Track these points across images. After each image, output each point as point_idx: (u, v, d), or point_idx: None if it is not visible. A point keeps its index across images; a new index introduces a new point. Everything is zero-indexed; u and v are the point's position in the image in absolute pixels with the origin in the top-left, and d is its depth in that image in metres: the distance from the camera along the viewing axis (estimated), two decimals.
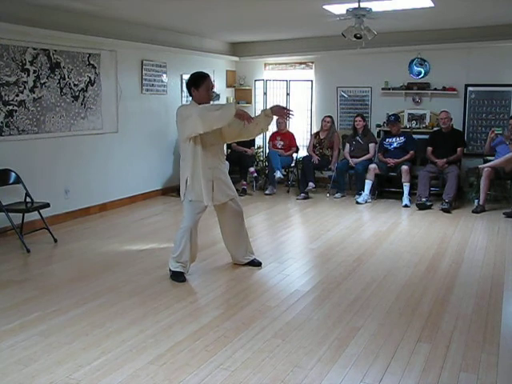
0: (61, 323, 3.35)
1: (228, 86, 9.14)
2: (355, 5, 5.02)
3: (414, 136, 7.55)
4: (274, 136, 8.43)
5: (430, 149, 7.22)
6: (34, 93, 5.68)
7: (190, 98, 4.15)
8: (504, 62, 7.29)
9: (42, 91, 5.78)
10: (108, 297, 3.81)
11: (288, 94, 8.95)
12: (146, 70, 7.30)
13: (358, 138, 7.72)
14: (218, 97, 8.72)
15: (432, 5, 5.41)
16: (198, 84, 4.02)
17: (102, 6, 5.65)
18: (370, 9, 5.06)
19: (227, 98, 9.06)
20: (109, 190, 6.81)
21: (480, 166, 6.85)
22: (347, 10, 5.10)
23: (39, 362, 2.83)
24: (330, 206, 7.16)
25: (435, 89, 7.72)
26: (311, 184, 7.61)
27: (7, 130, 5.44)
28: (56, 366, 2.79)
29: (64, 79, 6.04)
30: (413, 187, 7.15)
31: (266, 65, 9.15)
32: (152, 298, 3.79)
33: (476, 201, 6.77)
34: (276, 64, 9.07)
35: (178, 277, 4.16)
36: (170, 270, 4.23)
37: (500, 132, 6.98)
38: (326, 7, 5.53)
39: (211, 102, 4.20)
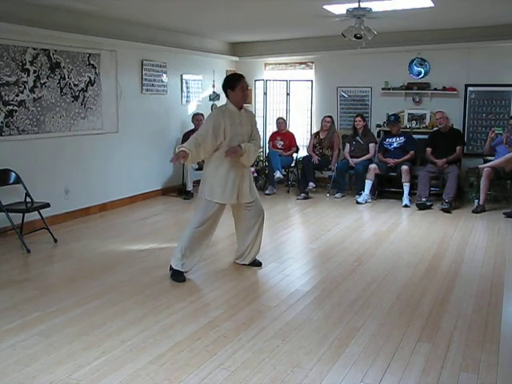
0: (61, 323, 3.35)
1: None
2: (355, 5, 5.03)
3: (414, 136, 7.55)
4: (273, 136, 8.43)
5: (429, 149, 7.22)
6: (34, 93, 5.68)
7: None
8: (504, 62, 7.29)
9: (42, 91, 5.78)
10: (108, 297, 3.81)
11: (288, 94, 8.96)
12: (145, 70, 7.30)
13: (358, 138, 7.72)
14: (217, 97, 8.73)
15: (432, 5, 5.41)
16: (234, 86, 4.17)
17: (102, 5, 5.65)
18: (370, 9, 5.07)
19: None
20: (109, 190, 6.81)
21: (480, 166, 6.85)
22: (347, 10, 5.10)
23: (39, 362, 2.83)
24: (330, 205, 7.16)
25: (435, 89, 7.72)
26: (311, 184, 7.61)
27: (7, 130, 5.44)
28: (56, 366, 2.79)
29: (64, 79, 6.04)
30: (413, 187, 7.15)
31: (266, 65, 9.15)
32: (152, 298, 3.79)
33: (476, 201, 6.77)
34: (276, 64, 9.07)
35: (177, 276, 4.16)
36: (171, 268, 4.22)
37: (500, 132, 6.98)
38: (326, 7, 5.53)
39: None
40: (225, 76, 9.17)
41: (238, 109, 4.21)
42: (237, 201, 4.25)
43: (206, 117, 4.39)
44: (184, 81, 8.09)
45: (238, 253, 4.57)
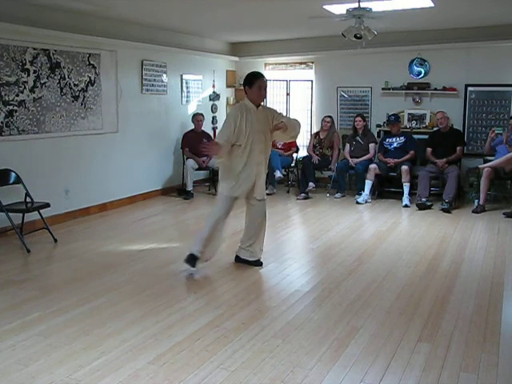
0: (61, 323, 3.35)
1: (228, 86, 9.14)
2: (355, 5, 5.02)
3: (414, 136, 7.55)
4: None
5: (429, 149, 7.22)
6: (34, 93, 5.68)
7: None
8: (504, 62, 7.29)
9: (42, 91, 5.78)
10: (108, 297, 3.81)
11: (288, 94, 8.96)
12: (146, 70, 7.30)
13: (358, 138, 7.72)
14: (218, 97, 8.73)
15: (432, 5, 5.41)
16: (252, 83, 4.26)
17: (102, 5, 5.65)
18: (370, 9, 5.06)
19: (227, 98, 9.07)
20: (109, 190, 6.81)
21: (480, 166, 6.85)
22: (347, 10, 5.10)
23: (39, 362, 2.83)
24: (330, 205, 7.16)
25: (435, 89, 7.72)
26: (311, 184, 7.60)
27: (7, 130, 5.44)
28: (56, 365, 2.79)
29: (64, 79, 6.04)
30: (413, 187, 7.15)
31: (266, 65, 9.14)
32: (152, 298, 3.79)
33: (476, 201, 6.77)
34: (276, 64, 9.07)
35: (191, 260, 4.29)
36: (190, 253, 4.33)
37: (500, 132, 6.98)
38: (326, 7, 5.53)
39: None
40: (224, 76, 9.28)
41: (255, 106, 4.28)
42: (249, 196, 4.35)
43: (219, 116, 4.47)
44: (184, 81, 8.08)
45: (239, 249, 4.62)
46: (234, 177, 4.23)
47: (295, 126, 4.36)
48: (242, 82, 9.66)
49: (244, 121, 4.17)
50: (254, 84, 4.24)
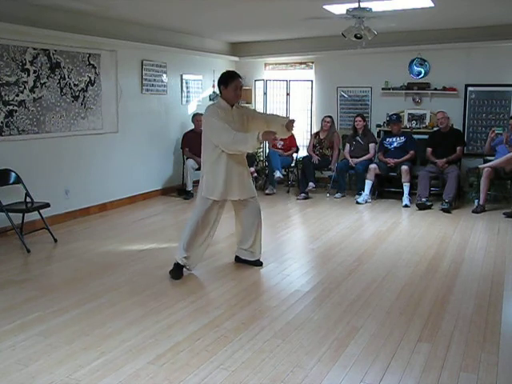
0: (61, 323, 3.35)
1: None
2: (355, 5, 5.03)
3: (414, 136, 7.55)
4: None
5: (429, 149, 7.22)
6: (34, 93, 5.68)
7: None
8: (504, 62, 7.29)
9: (42, 91, 5.78)
10: (108, 297, 3.81)
11: (288, 94, 8.95)
12: (146, 70, 7.30)
13: (358, 138, 7.72)
14: (217, 97, 8.71)
15: (432, 5, 5.41)
16: (227, 83, 4.19)
17: (102, 5, 5.65)
18: (370, 9, 5.06)
19: None
20: (109, 190, 6.81)
21: (480, 166, 6.85)
22: (347, 10, 5.10)
23: (39, 362, 2.83)
24: (330, 206, 7.16)
25: (435, 89, 7.72)
26: (311, 184, 7.60)
27: (7, 130, 5.44)
28: (56, 365, 2.79)
29: (64, 79, 6.04)
30: (413, 187, 7.15)
31: (266, 65, 9.15)
32: (152, 298, 3.79)
33: (476, 201, 6.77)
34: (276, 64, 9.07)
35: (175, 272, 4.21)
36: (175, 262, 4.26)
37: (500, 132, 6.98)
38: (326, 7, 5.53)
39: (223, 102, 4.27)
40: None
41: (230, 106, 4.23)
42: (234, 198, 4.27)
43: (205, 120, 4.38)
44: (184, 81, 8.09)
45: (238, 250, 4.58)
46: (214, 178, 4.15)
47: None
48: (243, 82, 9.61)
49: (222, 118, 4.13)
50: (230, 84, 4.17)
